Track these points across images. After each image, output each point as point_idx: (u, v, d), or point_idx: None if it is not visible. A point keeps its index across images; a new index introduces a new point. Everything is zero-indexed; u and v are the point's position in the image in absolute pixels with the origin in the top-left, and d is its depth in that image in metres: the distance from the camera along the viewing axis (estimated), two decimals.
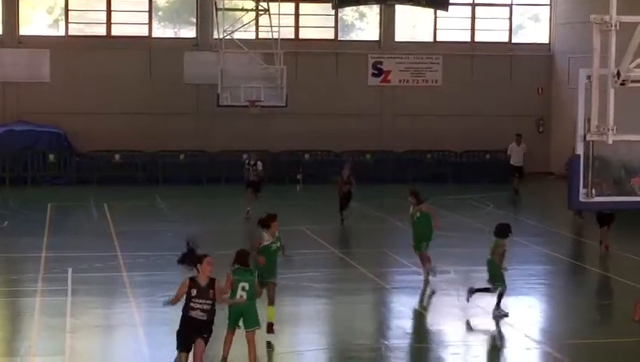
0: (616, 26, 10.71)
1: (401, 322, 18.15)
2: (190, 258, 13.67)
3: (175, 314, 17.97)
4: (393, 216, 30.60)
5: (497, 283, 18.04)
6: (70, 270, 21.63)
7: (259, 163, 29.67)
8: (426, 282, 20.55)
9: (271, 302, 16.38)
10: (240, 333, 14.30)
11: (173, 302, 13.53)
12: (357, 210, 31.19)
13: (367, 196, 33.21)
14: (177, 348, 13.24)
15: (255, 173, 29.62)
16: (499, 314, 17.93)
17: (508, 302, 20.89)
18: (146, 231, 27.57)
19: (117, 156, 38.85)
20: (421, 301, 19.88)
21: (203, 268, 13.28)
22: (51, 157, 38.12)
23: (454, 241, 25.67)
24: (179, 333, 13.32)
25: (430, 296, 20.20)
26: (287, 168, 39.14)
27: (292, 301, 19.34)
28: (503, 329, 18.28)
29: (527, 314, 19.90)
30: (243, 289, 14.40)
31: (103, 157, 38.72)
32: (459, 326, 18.54)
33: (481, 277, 22.48)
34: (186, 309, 13.23)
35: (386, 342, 16.70)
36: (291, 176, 38.45)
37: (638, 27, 10.75)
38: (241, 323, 14.26)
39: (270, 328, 16.05)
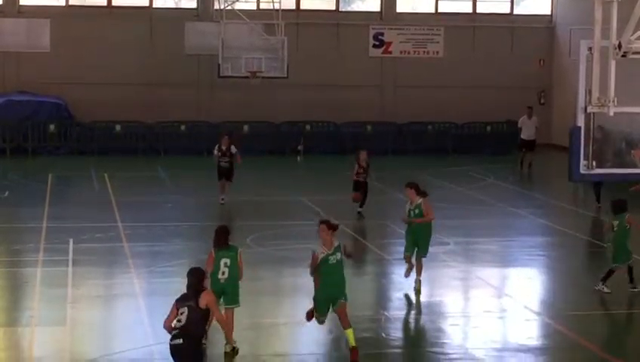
0: None
1: (401, 293, 18.18)
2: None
3: (176, 284, 18.07)
4: (394, 188, 30.63)
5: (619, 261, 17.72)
6: (71, 240, 21.66)
7: (232, 147, 27.02)
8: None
9: (346, 325, 14.66)
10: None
11: None
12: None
13: (371, 167, 33.22)
14: None
15: (228, 159, 26.86)
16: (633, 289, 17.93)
17: (509, 274, 21.05)
18: (147, 202, 27.62)
19: (118, 127, 38.85)
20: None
21: None
22: (52, 127, 38.13)
23: (454, 213, 25.71)
24: None
25: (431, 268, 20.22)
26: (288, 139, 39.13)
27: (291, 272, 19.40)
28: (503, 301, 18.35)
29: (527, 286, 19.97)
30: (225, 265, 14.48)
31: (104, 127, 38.71)
32: (459, 297, 18.62)
33: (481, 249, 22.67)
34: None
35: (385, 313, 16.77)
36: (292, 147, 38.44)
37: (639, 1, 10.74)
38: (221, 300, 14.12)
39: (355, 355, 14.01)
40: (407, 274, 17.94)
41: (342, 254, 14.24)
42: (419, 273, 17.71)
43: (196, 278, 11.49)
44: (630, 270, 17.54)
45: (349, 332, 13.96)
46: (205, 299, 11.17)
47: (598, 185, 25.91)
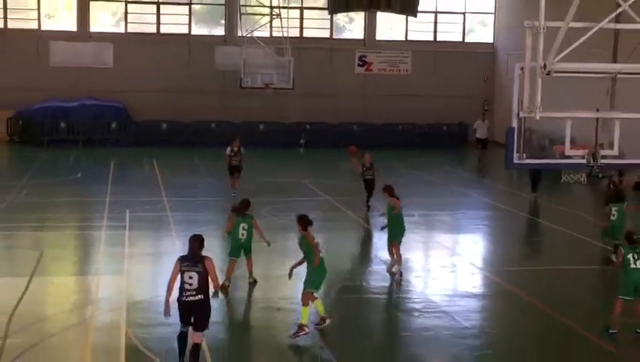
0: (543, 29, 10.72)
1: (378, 253, 18.23)
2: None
3: (208, 245, 18.11)
4: (376, 173, 30.69)
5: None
6: (128, 211, 21.71)
7: (242, 149, 24.65)
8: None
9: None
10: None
11: None
12: (348, 170, 31.22)
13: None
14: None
15: (239, 158, 24.49)
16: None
17: (459, 239, 21.09)
18: (185, 182, 27.64)
19: (164, 125, 38.78)
20: None
21: None
22: (113, 125, 38.14)
23: (418, 192, 25.82)
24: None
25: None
26: (293, 135, 39.16)
27: (293, 238, 19.42)
28: (454, 259, 18.39)
29: (472, 248, 20.02)
30: (243, 228, 15.00)
31: (153, 125, 38.60)
32: (421, 256, 18.67)
33: (438, 220, 22.72)
34: None
35: (367, 269, 16.82)
36: (296, 142, 38.52)
37: (560, 30, 10.75)
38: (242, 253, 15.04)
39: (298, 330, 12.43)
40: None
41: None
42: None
43: (199, 243, 10.90)
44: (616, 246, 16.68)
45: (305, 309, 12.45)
46: (209, 267, 10.70)
47: (535, 180, 25.54)
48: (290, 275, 12.84)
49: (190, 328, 10.80)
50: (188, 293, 10.60)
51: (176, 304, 10.73)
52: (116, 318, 13.00)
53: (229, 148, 24.49)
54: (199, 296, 10.59)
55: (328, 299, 14.63)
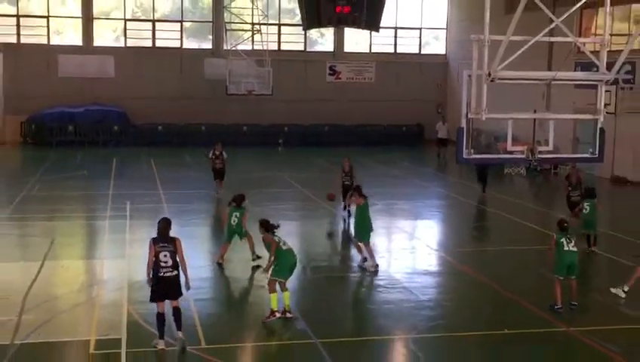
0: (488, 42, 10.76)
1: (345, 236, 18.24)
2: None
3: (199, 230, 18.04)
4: (355, 179, 30.70)
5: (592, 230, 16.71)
6: (128, 202, 21.59)
7: (224, 152, 23.18)
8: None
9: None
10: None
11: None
12: (320, 165, 31.28)
13: (328, 155, 33.24)
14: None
15: (221, 161, 23.01)
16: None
17: (417, 224, 21.15)
18: (179, 177, 27.55)
19: (159, 127, 38.47)
20: None
21: None
22: (115, 128, 37.79)
23: (381, 184, 25.83)
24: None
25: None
26: (273, 135, 39.05)
27: (275, 221, 19.38)
28: (413, 242, 18.45)
29: (429, 232, 20.11)
30: (235, 216, 15.25)
31: (150, 127, 38.27)
32: (384, 240, 18.70)
33: (399, 208, 22.76)
34: None
35: (337, 251, 16.83)
36: (275, 141, 38.47)
37: (502, 43, 10.80)
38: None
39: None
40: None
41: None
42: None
43: (166, 224, 10.89)
44: (588, 237, 16.62)
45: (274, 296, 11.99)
46: (179, 246, 10.71)
47: (482, 179, 24.46)
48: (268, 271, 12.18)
49: (166, 301, 10.71)
50: (165, 270, 10.59)
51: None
52: (119, 297, 12.94)
53: (210, 152, 23.17)
54: (174, 271, 10.65)
55: (304, 278, 14.67)
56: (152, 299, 10.73)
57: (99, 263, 15.45)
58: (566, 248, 12.47)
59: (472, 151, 11.24)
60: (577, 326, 11.78)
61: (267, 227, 12.31)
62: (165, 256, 10.60)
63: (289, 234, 18.37)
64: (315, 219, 20.74)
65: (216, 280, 14.52)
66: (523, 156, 11.76)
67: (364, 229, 15.44)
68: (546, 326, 11.99)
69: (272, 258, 12.08)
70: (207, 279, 14.39)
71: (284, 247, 12.13)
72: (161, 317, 10.64)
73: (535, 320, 12.23)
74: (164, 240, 10.72)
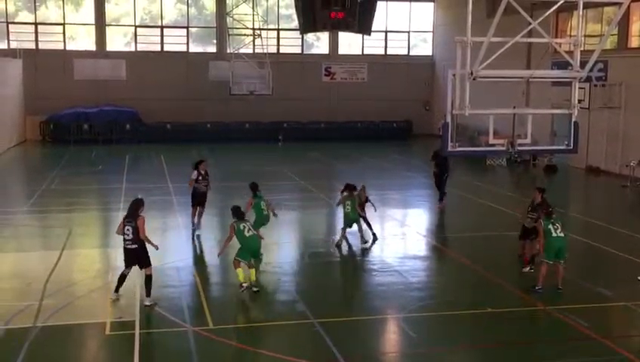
0: (470, 43, 10.75)
1: (342, 225, 18.19)
2: None
3: (207, 221, 18.00)
4: (339, 161, 30.72)
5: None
6: (140, 195, 21.49)
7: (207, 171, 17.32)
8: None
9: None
10: None
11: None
12: (318, 159, 31.29)
13: (324, 149, 33.23)
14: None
15: (207, 183, 17.08)
16: None
17: (407, 212, 21.15)
18: (187, 171, 27.22)
19: (168, 125, 38.48)
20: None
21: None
22: (127, 126, 37.80)
23: (373, 175, 25.85)
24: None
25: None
26: (273, 132, 39.01)
27: (276, 212, 19.39)
28: (404, 228, 18.45)
29: (418, 219, 20.11)
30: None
31: (160, 126, 38.30)
32: (377, 227, 18.68)
33: (390, 197, 22.74)
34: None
35: (333, 237, 16.83)
36: (275, 137, 38.42)
37: (483, 44, 10.80)
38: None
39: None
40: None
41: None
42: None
43: (136, 205, 11.60)
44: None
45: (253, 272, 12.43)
46: (140, 223, 11.35)
47: (440, 186, 20.76)
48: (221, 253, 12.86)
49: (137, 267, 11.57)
50: (127, 243, 11.41)
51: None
52: (131, 282, 12.88)
53: (195, 173, 16.90)
54: (134, 245, 11.34)
55: (303, 263, 14.68)
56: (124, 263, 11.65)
57: (113, 251, 15.37)
58: (554, 234, 12.35)
59: (457, 144, 11.26)
60: (554, 305, 11.81)
61: (236, 214, 12.45)
62: (128, 230, 11.34)
63: (288, 223, 18.52)
64: (313, 209, 20.74)
65: (222, 266, 14.51)
66: (503, 148, 11.77)
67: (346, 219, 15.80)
68: (525, 305, 12.03)
69: (226, 241, 12.52)
70: (213, 265, 14.39)
71: (247, 234, 12.25)
72: (121, 276, 11.68)
73: (515, 300, 12.26)
74: (130, 217, 11.42)
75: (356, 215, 15.73)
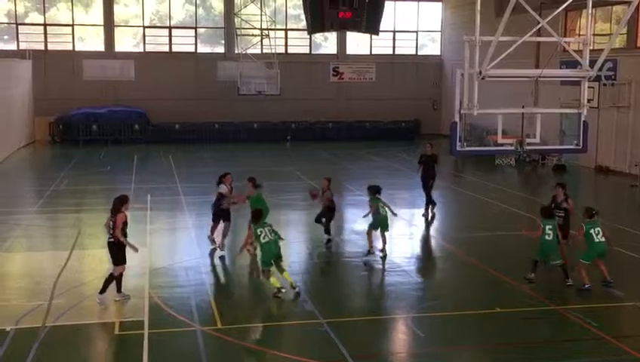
0: (479, 43, 10.72)
1: (350, 226, 18.18)
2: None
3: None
4: (347, 161, 30.70)
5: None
6: (149, 195, 21.62)
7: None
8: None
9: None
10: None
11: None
12: (326, 159, 31.28)
13: (331, 149, 33.22)
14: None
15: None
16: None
17: (415, 212, 21.08)
18: (195, 172, 27.54)
19: (177, 125, 38.52)
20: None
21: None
22: (136, 126, 37.85)
23: (382, 175, 25.81)
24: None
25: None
26: (281, 132, 39.03)
27: (285, 211, 19.45)
28: (412, 229, 18.40)
29: (426, 220, 20.01)
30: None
31: (168, 126, 38.35)
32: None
33: (398, 197, 22.64)
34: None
35: (342, 239, 16.81)
36: (283, 137, 38.42)
37: (492, 44, 10.76)
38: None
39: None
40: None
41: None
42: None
43: (119, 201, 11.95)
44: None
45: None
46: (117, 219, 11.76)
47: (427, 191, 19.72)
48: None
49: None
50: (108, 236, 11.84)
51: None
52: (141, 282, 12.96)
53: (221, 186, 15.18)
54: (111, 239, 11.76)
55: (311, 263, 14.67)
56: None
57: None
58: (597, 240, 12.24)
59: (465, 144, 11.24)
60: (564, 306, 11.76)
61: (254, 218, 12.58)
62: (109, 226, 11.82)
63: (296, 222, 18.51)
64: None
65: (231, 266, 14.52)
66: (512, 148, 11.74)
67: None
68: (535, 305, 11.97)
69: (246, 242, 13.00)
70: (223, 265, 14.41)
71: (263, 240, 12.11)
72: (115, 278, 11.87)
73: (524, 300, 12.21)
74: (112, 212, 11.88)
75: (386, 220, 14.84)
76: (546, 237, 12.46)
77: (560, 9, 11.75)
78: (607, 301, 12.09)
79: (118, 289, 11.81)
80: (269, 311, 11.82)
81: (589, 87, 12.21)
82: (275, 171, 27.25)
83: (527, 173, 29.03)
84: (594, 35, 27.08)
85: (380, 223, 14.77)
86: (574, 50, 12.74)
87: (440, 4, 42.85)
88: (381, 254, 14.71)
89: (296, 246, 16.09)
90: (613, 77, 27.50)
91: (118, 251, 11.76)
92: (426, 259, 15.23)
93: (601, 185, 26.47)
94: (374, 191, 14.99)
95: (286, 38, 41.21)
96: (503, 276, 13.48)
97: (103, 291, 11.68)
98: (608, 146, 27.80)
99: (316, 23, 37.32)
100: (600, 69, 11.90)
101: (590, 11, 11.82)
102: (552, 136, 14.63)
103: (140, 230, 17.32)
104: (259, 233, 12.19)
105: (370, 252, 14.79)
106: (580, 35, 27.17)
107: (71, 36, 39.15)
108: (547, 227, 12.49)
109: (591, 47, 11.86)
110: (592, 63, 11.69)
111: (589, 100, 12.41)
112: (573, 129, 12.32)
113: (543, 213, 12.79)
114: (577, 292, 12.39)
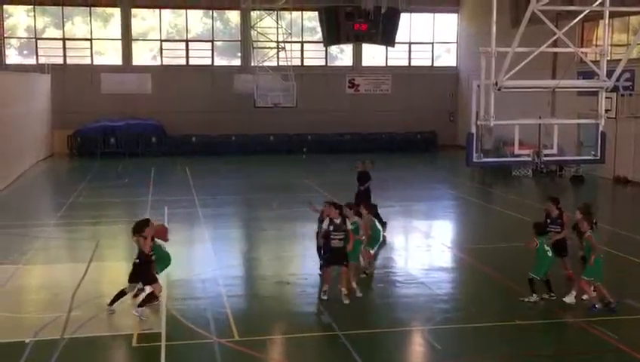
0: (495, 53, 10.71)
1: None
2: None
3: (232, 233, 18.02)
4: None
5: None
6: (166, 207, 21.69)
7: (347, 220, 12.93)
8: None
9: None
10: None
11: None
12: (343, 170, 31.23)
13: (348, 161, 33.09)
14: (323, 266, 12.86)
15: (343, 236, 12.50)
16: None
17: (432, 223, 21.02)
18: (212, 184, 27.62)
19: (193, 138, 38.65)
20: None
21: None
22: (153, 139, 38.03)
23: (397, 186, 25.77)
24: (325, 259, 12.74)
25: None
26: (297, 144, 39.09)
27: (300, 224, 19.40)
28: (428, 240, 18.34)
29: (443, 230, 20.01)
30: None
31: (185, 138, 38.51)
32: (401, 238, 18.63)
33: (415, 209, 22.64)
34: (328, 239, 12.49)
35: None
36: (300, 149, 38.49)
37: (508, 55, 10.75)
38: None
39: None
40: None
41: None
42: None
43: (140, 224, 12.26)
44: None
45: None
46: (136, 240, 12.13)
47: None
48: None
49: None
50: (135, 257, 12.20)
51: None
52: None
53: (325, 222, 12.74)
54: (137, 259, 12.03)
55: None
56: None
57: None
58: (602, 255, 12.14)
59: (482, 155, 11.20)
60: (582, 318, 11.65)
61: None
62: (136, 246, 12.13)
63: (312, 235, 18.48)
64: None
65: (248, 278, 14.54)
66: (529, 159, 11.68)
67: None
68: (553, 317, 11.87)
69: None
70: (239, 277, 14.43)
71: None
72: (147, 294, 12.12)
73: (543, 312, 12.11)
74: (133, 233, 12.17)
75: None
76: (541, 253, 12.34)
77: (576, 20, 11.72)
78: (625, 313, 11.96)
79: (142, 304, 11.81)
80: (286, 323, 11.80)
81: (606, 98, 12.13)
82: (290, 183, 27.31)
83: (545, 184, 28.85)
84: (611, 45, 26.95)
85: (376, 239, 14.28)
86: (591, 61, 12.68)
87: (456, 15, 42.83)
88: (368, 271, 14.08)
89: (312, 259, 16.07)
90: (630, 87, 27.32)
91: (137, 269, 11.96)
92: (443, 270, 15.15)
93: (620, 196, 26.25)
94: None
95: (302, 50, 41.35)
96: (521, 288, 13.37)
97: (142, 305, 11.76)
98: (627, 157, 27.59)
99: (332, 36, 37.52)
100: (617, 80, 11.83)
101: (607, 22, 11.77)
102: (569, 146, 14.54)
103: (157, 243, 17.38)
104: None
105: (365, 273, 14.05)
106: (596, 45, 27.04)
107: (89, 50, 39.55)
108: (542, 243, 12.36)
109: (608, 58, 11.81)
110: (609, 74, 11.63)
111: (606, 111, 12.34)
112: (590, 140, 12.23)
113: (535, 229, 12.50)
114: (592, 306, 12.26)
